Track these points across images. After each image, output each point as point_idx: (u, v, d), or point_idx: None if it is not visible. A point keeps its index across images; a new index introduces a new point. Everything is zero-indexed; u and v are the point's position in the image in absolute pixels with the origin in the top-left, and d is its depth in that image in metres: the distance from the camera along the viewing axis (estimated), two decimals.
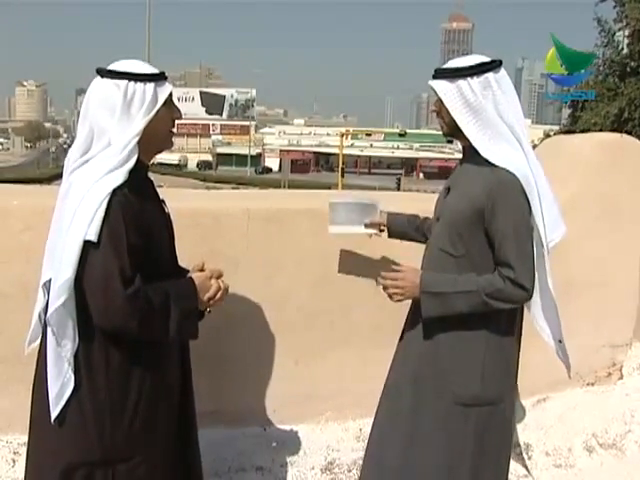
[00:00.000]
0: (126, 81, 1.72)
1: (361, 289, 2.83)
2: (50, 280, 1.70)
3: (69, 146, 1.84)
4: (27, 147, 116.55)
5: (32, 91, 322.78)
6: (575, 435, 3.12)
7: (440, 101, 1.96)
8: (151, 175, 1.95)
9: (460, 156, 2.13)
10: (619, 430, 3.16)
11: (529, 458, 2.99)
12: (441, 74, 1.95)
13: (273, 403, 2.94)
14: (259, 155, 75.11)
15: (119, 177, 1.67)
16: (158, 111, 1.76)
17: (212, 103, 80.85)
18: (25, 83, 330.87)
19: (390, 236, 2.49)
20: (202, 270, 1.94)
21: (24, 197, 2.87)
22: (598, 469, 2.96)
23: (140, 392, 1.76)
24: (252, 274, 2.80)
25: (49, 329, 1.67)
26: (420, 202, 3.28)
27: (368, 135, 72.42)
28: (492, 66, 1.91)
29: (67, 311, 1.64)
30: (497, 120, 1.90)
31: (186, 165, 73.73)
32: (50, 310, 1.64)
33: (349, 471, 2.82)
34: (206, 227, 2.75)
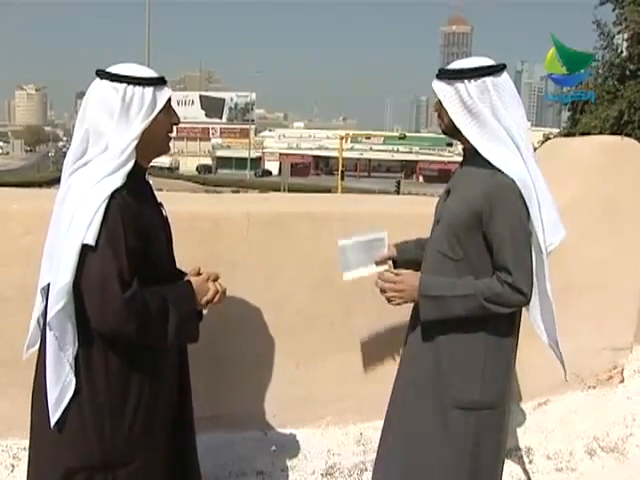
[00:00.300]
0: (125, 84, 1.72)
1: (362, 292, 2.82)
2: (49, 284, 1.70)
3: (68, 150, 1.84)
4: (27, 151, 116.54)
5: (32, 95, 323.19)
6: (576, 438, 3.11)
7: (439, 102, 1.97)
8: (149, 178, 1.94)
9: (460, 159, 2.13)
10: (620, 433, 3.15)
11: (530, 462, 2.98)
12: (442, 75, 1.96)
13: (273, 407, 2.93)
14: (259, 158, 75.20)
15: (117, 180, 1.67)
16: (157, 115, 1.76)
17: (212, 106, 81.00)
18: (25, 87, 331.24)
19: (398, 267, 2.31)
20: (199, 274, 1.93)
21: (24, 201, 2.87)
22: (599, 473, 2.95)
23: (140, 396, 1.75)
24: (252, 277, 2.79)
25: (51, 334, 1.66)
26: (420, 205, 3.28)
27: (368, 138, 72.49)
28: (491, 70, 1.90)
29: (66, 315, 1.64)
30: (495, 124, 1.89)
31: (177, 168, 73.57)
32: (50, 315, 1.63)
33: (350, 475, 2.81)
34: (206, 231, 2.75)
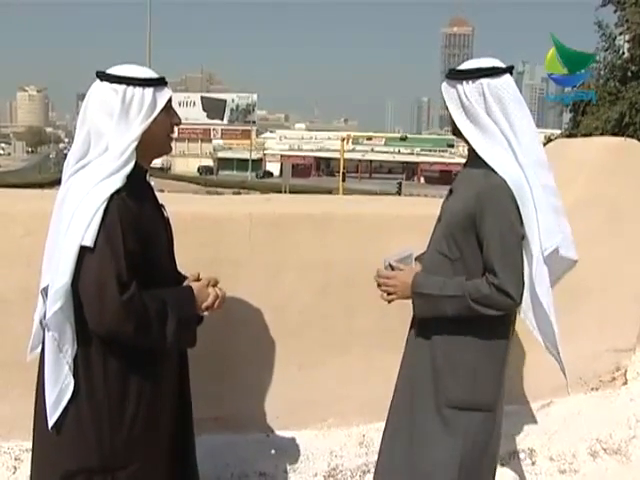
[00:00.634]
0: (125, 85, 1.72)
1: (364, 294, 2.81)
2: (48, 286, 1.69)
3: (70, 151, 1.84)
4: (28, 152, 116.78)
5: (33, 96, 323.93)
6: (579, 440, 3.10)
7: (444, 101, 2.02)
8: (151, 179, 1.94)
9: (462, 160, 2.13)
10: (624, 435, 3.14)
11: (533, 463, 2.97)
12: (447, 76, 1.99)
13: (276, 409, 2.92)
14: (260, 160, 75.21)
15: (117, 182, 1.67)
16: (157, 116, 1.76)
17: (213, 108, 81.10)
18: (26, 88, 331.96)
19: None
20: (198, 280, 1.93)
21: (25, 202, 2.87)
22: (603, 474, 2.94)
23: (139, 398, 1.74)
24: (254, 279, 2.79)
25: (49, 334, 1.66)
26: (421, 206, 3.28)
27: (369, 139, 72.51)
28: (489, 72, 1.90)
29: (65, 316, 1.64)
30: (492, 127, 1.90)
31: (170, 168, 73.42)
32: (48, 315, 1.63)
33: (352, 477, 2.80)
34: (208, 232, 2.74)
